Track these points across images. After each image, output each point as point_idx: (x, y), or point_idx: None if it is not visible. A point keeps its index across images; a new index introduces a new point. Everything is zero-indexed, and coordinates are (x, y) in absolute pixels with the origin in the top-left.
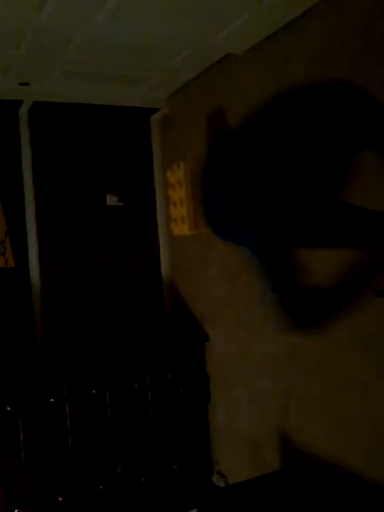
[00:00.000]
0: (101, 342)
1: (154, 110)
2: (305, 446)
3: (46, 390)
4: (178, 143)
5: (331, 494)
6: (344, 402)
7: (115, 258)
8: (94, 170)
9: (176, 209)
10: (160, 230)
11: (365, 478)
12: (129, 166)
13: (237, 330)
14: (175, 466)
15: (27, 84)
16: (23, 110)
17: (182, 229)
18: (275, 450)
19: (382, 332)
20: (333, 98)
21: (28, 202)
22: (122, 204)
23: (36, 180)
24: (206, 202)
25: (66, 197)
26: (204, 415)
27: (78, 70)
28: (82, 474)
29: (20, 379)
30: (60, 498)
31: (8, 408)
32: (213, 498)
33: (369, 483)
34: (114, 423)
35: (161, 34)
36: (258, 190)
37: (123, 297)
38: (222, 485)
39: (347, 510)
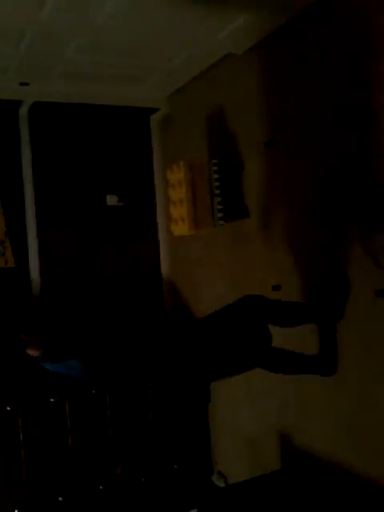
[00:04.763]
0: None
1: (154, 110)
2: (305, 446)
3: (46, 389)
4: (178, 143)
5: (331, 494)
6: (344, 401)
7: (115, 257)
8: (93, 169)
9: (176, 209)
10: (160, 229)
11: (365, 478)
12: (129, 165)
13: None
14: (175, 466)
15: (27, 84)
16: (23, 110)
17: (181, 229)
18: (275, 450)
19: (381, 332)
20: None
21: (28, 202)
22: (122, 204)
23: (36, 180)
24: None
25: (66, 197)
26: (204, 415)
27: (77, 70)
28: (82, 474)
29: (20, 379)
30: (60, 498)
31: (8, 408)
32: (213, 497)
33: (369, 483)
34: (114, 423)
35: (161, 34)
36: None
37: (123, 297)
38: (222, 485)
39: (347, 510)
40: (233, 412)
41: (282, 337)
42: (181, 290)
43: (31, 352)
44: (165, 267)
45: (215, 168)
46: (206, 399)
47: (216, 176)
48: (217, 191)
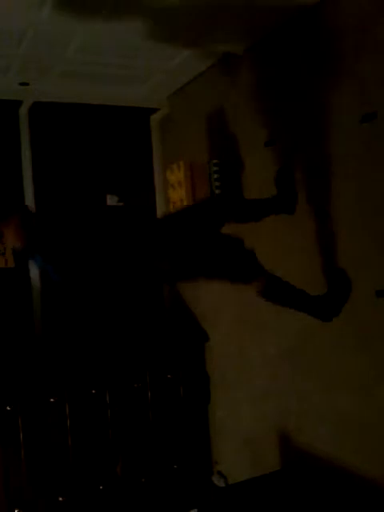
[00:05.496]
0: (101, 341)
1: (154, 110)
2: (305, 445)
3: (46, 389)
4: (177, 143)
5: (331, 494)
6: (344, 401)
7: (115, 257)
8: (93, 169)
9: (176, 209)
10: None
11: (365, 478)
12: (129, 165)
13: (237, 330)
14: (175, 466)
15: (27, 84)
16: (23, 110)
17: None
18: (275, 450)
19: (382, 332)
20: None
21: (28, 202)
22: (121, 204)
23: (36, 180)
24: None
25: (65, 197)
26: (204, 415)
27: (78, 70)
28: (82, 474)
29: (20, 379)
30: (60, 498)
31: (8, 408)
32: (213, 497)
33: (369, 483)
34: (114, 423)
35: (160, 34)
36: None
37: (123, 297)
38: (222, 485)
39: (347, 510)
40: (233, 412)
41: None
42: (181, 289)
43: (13, 242)
44: None
45: (215, 168)
46: (206, 399)
47: (216, 176)
48: (217, 191)
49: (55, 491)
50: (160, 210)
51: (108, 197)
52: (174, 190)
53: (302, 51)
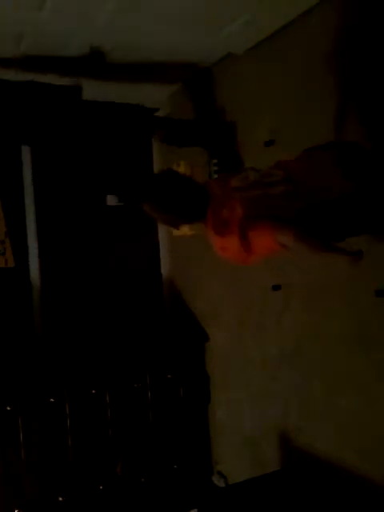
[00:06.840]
0: (101, 342)
1: (154, 110)
2: (305, 446)
3: (46, 389)
4: None
5: (331, 494)
6: (344, 401)
7: (115, 258)
8: (94, 169)
9: None
10: (160, 230)
11: (365, 478)
12: (129, 166)
13: (237, 330)
14: (175, 466)
15: None
16: None
17: (182, 229)
18: (275, 450)
19: (382, 332)
20: None
21: (28, 202)
22: (121, 204)
23: (36, 180)
24: None
25: (66, 197)
26: (204, 415)
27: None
28: (82, 474)
29: (20, 379)
30: (60, 498)
31: (8, 408)
32: (213, 497)
33: (368, 483)
34: (114, 423)
35: (160, 34)
36: None
37: (123, 297)
38: (222, 485)
39: (347, 510)
40: (233, 412)
41: None
42: (181, 289)
43: None
44: (165, 267)
45: (215, 168)
46: (206, 399)
47: (216, 176)
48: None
49: (55, 491)
50: None
51: (108, 197)
52: None
53: (303, 51)
